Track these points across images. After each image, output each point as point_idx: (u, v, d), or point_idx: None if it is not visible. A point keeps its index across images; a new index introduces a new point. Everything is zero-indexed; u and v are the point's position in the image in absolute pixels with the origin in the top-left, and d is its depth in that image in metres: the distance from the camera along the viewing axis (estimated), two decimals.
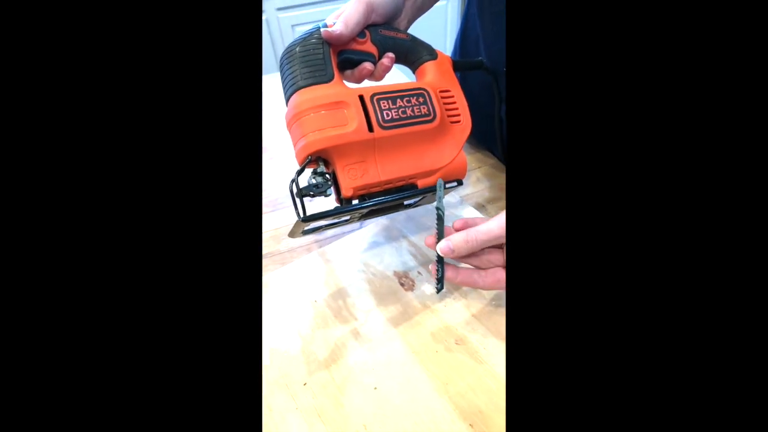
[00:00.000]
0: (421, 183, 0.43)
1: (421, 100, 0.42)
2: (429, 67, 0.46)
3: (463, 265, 0.42)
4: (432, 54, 0.47)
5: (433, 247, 0.41)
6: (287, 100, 0.41)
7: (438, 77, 0.46)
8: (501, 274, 0.40)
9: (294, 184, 0.38)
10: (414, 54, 0.47)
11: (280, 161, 0.70)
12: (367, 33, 0.43)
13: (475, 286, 0.41)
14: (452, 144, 0.44)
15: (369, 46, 0.43)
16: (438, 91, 0.44)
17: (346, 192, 0.39)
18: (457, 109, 0.45)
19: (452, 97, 0.46)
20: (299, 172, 0.39)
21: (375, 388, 0.39)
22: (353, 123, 0.39)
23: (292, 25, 1.89)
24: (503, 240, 0.39)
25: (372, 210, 0.43)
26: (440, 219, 0.41)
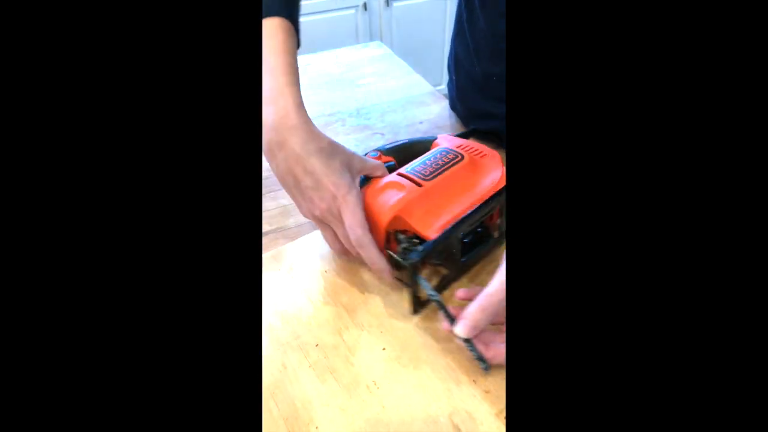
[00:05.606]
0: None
1: (443, 153, 0.51)
2: (439, 140, 0.56)
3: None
4: (434, 138, 0.58)
5: (452, 333, 0.38)
6: None
7: (448, 142, 0.55)
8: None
9: (405, 260, 0.43)
10: (422, 144, 0.58)
11: None
12: (378, 152, 0.57)
13: None
14: (492, 168, 0.51)
15: (384, 158, 0.56)
16: (453, 145, 0.53)
17: (432, 234, 0.44)
18: (477, 149, 0.53)
19: (467, 144, 0.53)
20: (388, 242, 0.46)
21: (383, 349, 0.42)
22: (404, 189, 0.47)
23: None
24: None
25: (467, 252, 0.48)
26: (440, 304, 0.40)
